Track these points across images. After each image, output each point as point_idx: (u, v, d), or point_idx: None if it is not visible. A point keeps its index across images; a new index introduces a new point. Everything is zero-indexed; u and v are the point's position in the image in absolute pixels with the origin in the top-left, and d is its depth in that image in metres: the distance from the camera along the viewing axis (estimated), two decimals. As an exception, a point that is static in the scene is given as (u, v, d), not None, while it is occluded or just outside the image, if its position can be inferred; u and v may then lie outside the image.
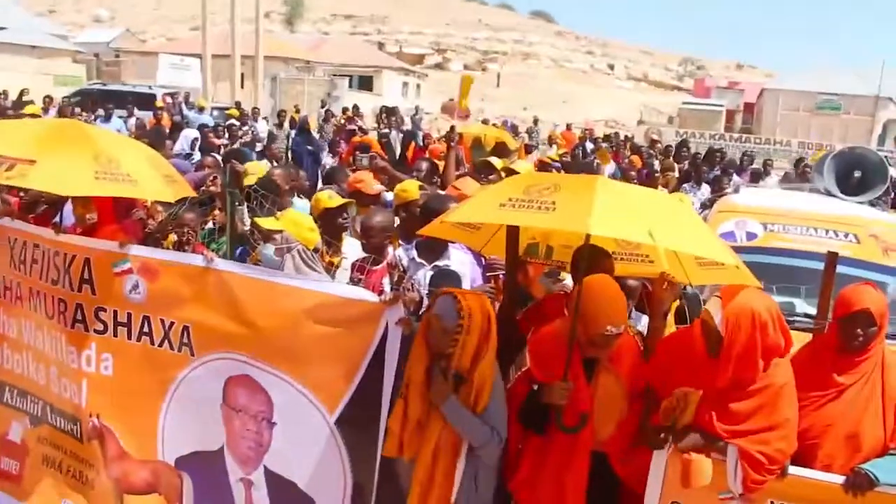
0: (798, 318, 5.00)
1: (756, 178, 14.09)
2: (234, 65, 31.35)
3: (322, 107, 25.97)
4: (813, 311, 4.80)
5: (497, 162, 7.74)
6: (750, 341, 3.22)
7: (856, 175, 7.03)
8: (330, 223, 5.03)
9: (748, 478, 3.25)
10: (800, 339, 4.45)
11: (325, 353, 3.75)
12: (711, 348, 3.31)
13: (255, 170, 7.15)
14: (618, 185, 3.67)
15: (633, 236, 3.30)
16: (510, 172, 7.38)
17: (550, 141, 22.71)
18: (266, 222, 4.10)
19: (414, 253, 4.85)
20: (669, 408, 3.31)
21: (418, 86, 52.54)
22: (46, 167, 4.00)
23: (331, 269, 4.76)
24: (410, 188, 5.61)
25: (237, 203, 4.71)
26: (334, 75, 39.28)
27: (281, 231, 4.07)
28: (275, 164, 9.63)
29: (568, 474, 3.57)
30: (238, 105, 21.64)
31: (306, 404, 3.81)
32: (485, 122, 25.88)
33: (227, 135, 13.85)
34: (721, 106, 46.36)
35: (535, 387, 3.62)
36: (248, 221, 4.82)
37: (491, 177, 7.15)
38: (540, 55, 72.62)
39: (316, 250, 4.23)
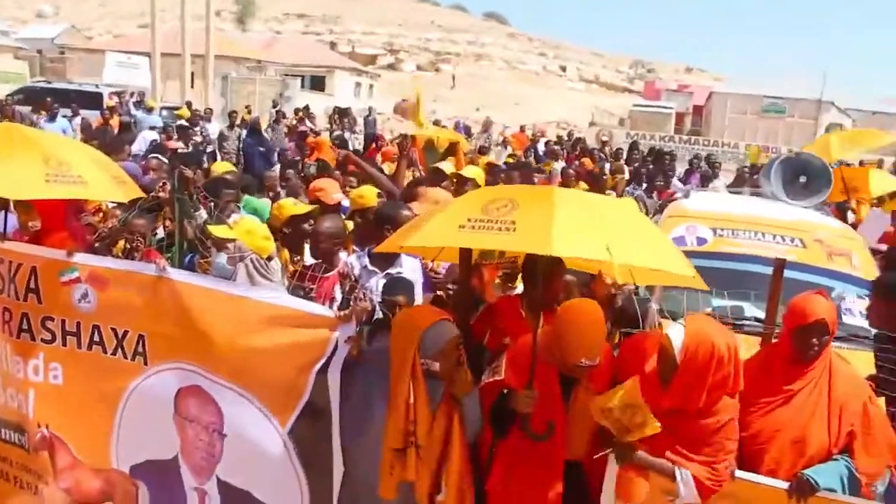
0: (747, 322, 5.11)
1: (706, 180, 14.35)
2: (185, 63, 30.82)
3: (274, 107, 25.71)
4: (761, 314, 4.90)
5: (447, 167, 7.75)
6: (702, 373, 3.25)
7: (801, 180, 7.20)
8: (295, 230, 4.99)
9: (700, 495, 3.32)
10: (749, 343, 4.59)
11: (276, 365, 3.70)
12: (664, 375, 3.34)
13: (221, 169, 7.10)
14: (574, 195, 3.67)
15: (592, 254, 3.27)
16: (459, 178, 7.39)
17: (504, 143, 22.87)
18: (219, 231, 4.04)
19: (366, 260, 4.83)
20: (617, 419, 3.33)
21: (371, 86, 52.34)
22: (-4, 172, 3.91)
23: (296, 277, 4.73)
24: (368, 194, 5.59)
25: (191, 210, 4.64)
26: (286, 75, 38.91)
27: (234, 240, 4.01)
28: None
29: (540, 481, 3.59)
30: (189, 105, 21.32)
31: (258, 415, 3.77)
32: (436, 123, 25.98)
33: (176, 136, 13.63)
34: (671, 108, 47.07)
35: (505, 391, 3.64)
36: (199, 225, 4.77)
37: (443, 183, 7.16)
38: (493, 56, 72.93)
39: (270, 258, 4.18)
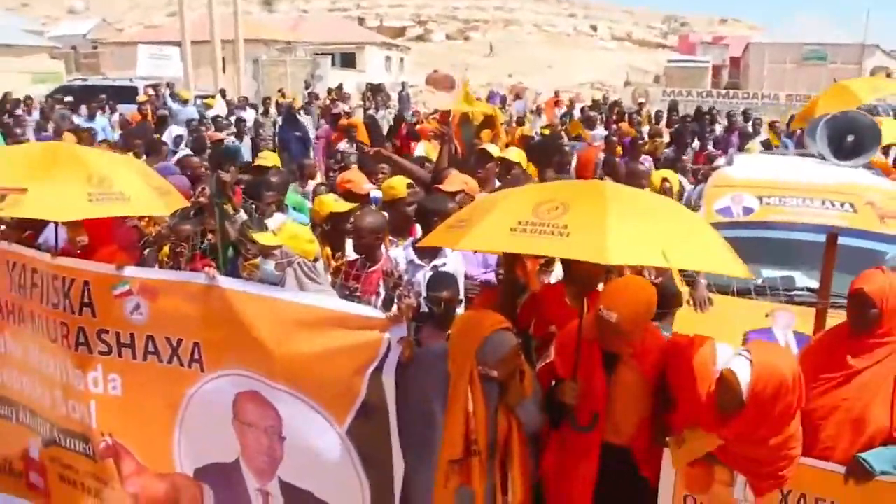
0: (798, 293, 5.04)
1: (745, 138, 14.04)
2: (215, 50, 30.96)
3: (306, 88, 25.75)
4: (813, 284, 4.83)
5: (494, 150, 7.67)
6: (768, 407, 3.17)
7: (849, 139, 6.98)
8: (335, 228, 5.01)
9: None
10: (803, 314, 4.52)
11: (330, 367, 3.75)
12: (726, 408, 3.23)
13: (269, 161, 7.15)
14: (625, 194, 3.56)
15: (649, 261, 3.25)
16: (504, 161, 7.32)
17: (538, 111, 22.62)
18: (264, 238, 4.07)
19: (412, 253, 4.83)
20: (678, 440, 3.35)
21: (402, 59, 52.12)
22: (39, 194, 3.98)
23: (339, 274, 4.76)
24: (398, 185, 5.59)
25: (231, 213, 4.68)
26: (316, 54, 38.86)
27: (280, 246, 4.04)
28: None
29: (576, 470, 3.62)
30: (223, 93, 21.43)
31: (315, 417, 3.83)
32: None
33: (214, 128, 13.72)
34: (707, 62, 46.13)
35: (554, 383, 3.70)
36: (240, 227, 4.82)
37: (488, 165, 7.14)
38: (522, 21, 71.96)
39: (315, 259, 4.21)
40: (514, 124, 16.66)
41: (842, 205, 5.66)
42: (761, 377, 3.12)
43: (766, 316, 4.83)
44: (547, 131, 13.76)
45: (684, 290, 4.94)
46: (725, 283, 4.92)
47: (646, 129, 15.72)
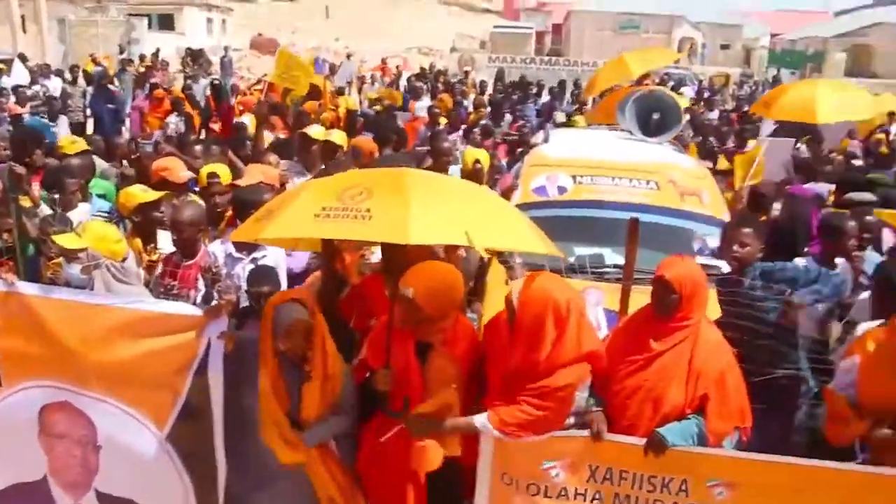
0: (608, 270, 5.31)
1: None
2: (11, 5, 28.30)
3: (121, 53, 24.21)
4: (622, 261, 5.10)
5: (317, 132, 7.53)
6: (539, 322, 3.42)
7: (654, 117, 7.42)
8: (146, 219, 4.77)
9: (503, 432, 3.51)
10: (612, 291, 4.77)
11: (148, 370, 3.64)
12: (510, 323, 3.52)
13: (69, 148, 6.63)
14: (428, 178, 3.70)
15: (452, 239, 3.36)
16: (329, 146, 7.18)
17: (372, 79, 22.40)
18: (67, 241, 3.81)
19: (230, 247, 4.69)
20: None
21: (224, 21, 49.96)
22: None
23: (153, 268, 4.55)
24: (222, 173, 5.39)
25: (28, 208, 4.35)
26: (130, 15, 36.53)
27: (85, 249, 3.81)
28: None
29: (393, 457, 3.67)
30: (23, 58, 19.71)
31: (133, 423, 3.70)
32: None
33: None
34: (530, 28, 47.35)
35: (368, 374, 3.73)
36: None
37: (312, 149, 7.03)
38: (346, -18, 70.77)
39: (124, 259, 3.99)
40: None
41: (647, 183, 6.02)
42: (531, 297, 3.42)
43: (578, 294, 5.06)
44: (378, 106, 13.67)
45: (501, 270, 5.09)
46: (540, 263, 5.12)
47: (472, 97, 16.03)
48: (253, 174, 5.66)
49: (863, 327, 3.98)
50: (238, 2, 57.73)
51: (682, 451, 3.51)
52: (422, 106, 13.54)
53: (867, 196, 6.37)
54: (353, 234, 3.34)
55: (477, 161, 6.82)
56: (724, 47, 51.62)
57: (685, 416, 3.58)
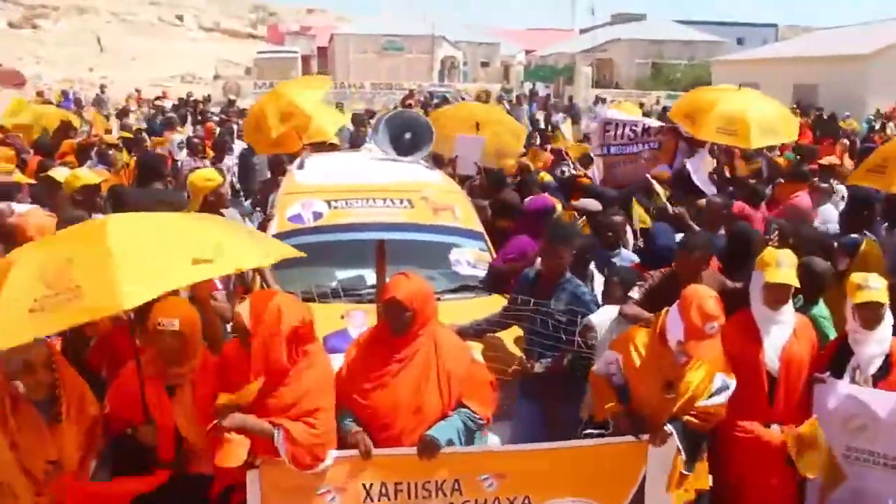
0: (369, 291, 5.36)
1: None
2: None
3: None
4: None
5: (60, 175, 6.89)
6: (274, 330, 3.48)
7: (407, 136, 7.61)
8: None
9: (294, 454, 3.50)
10: (373, 310, 4.81)
11: None
12: (243, 341, 3.56)
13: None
14: (129, 222, 3.42)
15: (171, 285, 3.16)
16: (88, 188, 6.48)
17: (125, 111, 21.25)
18: None
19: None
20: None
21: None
22: None
23: None
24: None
25: None
26: None
27: None
28: None
29: None
30: None
31: None
32: (40, 94, 23.29)
33: None
34: (296, 52, 47.04)
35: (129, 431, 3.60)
36: None
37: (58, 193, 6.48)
38: (99, 9, 66.82)
39: None
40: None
41: (401, 202, 6.16)
42: (255, 305, 3.53)
43: (342, 317, 5.07)
44: (127, 134, 12.92)
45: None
46: (306, 289, 5.09)
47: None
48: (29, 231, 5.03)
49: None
50: (-30, 30, 52.94)
51: (451, 452, 3.71)
52: (175, 139, 12.78)
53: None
54: (71, 320, 3.00)
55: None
56: (485, 65, 54.32)
57: (445, 416, 3.78)
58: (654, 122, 9.20)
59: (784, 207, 7.41)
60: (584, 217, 6.85)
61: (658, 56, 50.51)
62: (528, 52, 59.24)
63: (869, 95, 29.62)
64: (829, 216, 7.59)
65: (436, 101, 27.46)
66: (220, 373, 3.69)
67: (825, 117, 22.05)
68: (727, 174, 8.81)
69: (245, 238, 3.61)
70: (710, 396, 3.94)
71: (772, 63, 37.93)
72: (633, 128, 8.62)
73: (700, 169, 8.12)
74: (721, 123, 8.01)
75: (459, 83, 41.91)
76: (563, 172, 9.52)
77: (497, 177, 8.48)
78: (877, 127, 21.42)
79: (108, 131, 13.32)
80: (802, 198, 7.63)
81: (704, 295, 3.85)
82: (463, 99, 29.98)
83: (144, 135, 13.07)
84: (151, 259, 3.10)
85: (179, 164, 10.78)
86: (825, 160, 9.56)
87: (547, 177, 9.04)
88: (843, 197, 8.23)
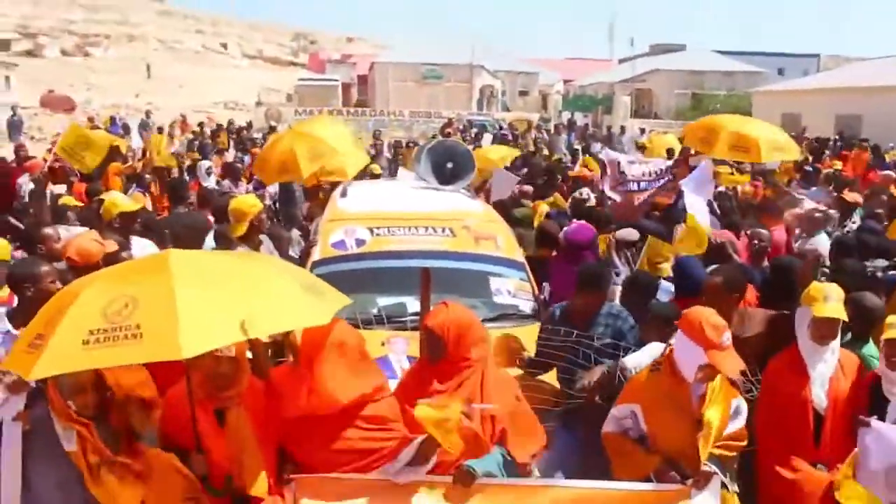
0: (411, 318, 5.40)
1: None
2: None
3: None
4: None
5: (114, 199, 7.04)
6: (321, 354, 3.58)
7: (448, 166, 7.68)
8: None
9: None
10: (415, 337, 4.84)
11: None
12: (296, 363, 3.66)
13: None
14: (193, 262, 3.40)
15: (227, 340, 3.12)
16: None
17: (171, 134, 21.71)
18: None
19: (6, 324, 4.34)
20: None
21: (7, 78, 46.75)
22: None
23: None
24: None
25: None
26: None
27: None
28: None
29: None
30: None
31: None
32: (90, 119, 23.93)
33: None
34: (336, 80, 47.78)
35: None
36: None
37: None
38: (147, 36, 68.59)
39: None
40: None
41: (443, 230, 6.21)
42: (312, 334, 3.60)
43: (383, 344, 5.11)
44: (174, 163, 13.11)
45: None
46: (348, 315, 5.12)
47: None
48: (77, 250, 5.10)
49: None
50: (23, 56, 54.46)
51: (486, 483, 3.67)
52: (206, 165, 12.99)
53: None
54: (126, 359, 3.01)
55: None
56: (523, 94, 54.54)
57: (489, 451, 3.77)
58: (666, 163, 9.28)
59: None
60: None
61: (697, 86, 50.39)
62: (566, 81, 59.45)
63: (912, 126, 29.18)
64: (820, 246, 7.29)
65: (474, 129, 27.62)
66: (269, 395, 3.71)
67: (870, 148, 21.74)
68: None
69: (302, 292, 3.46)
70: (731, 422, 3.92)
71: (814, 93, 37.60)
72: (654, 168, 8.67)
73: (699, 190, 8.04)
74: (734, 141, 8.72)
75: (498, 112, 42.10)
76: (581, 193, 9.44)
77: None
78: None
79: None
80: (780, 232, 7.57)
81: (706, 312, 3.88)
82: (501, 127, 30.19)
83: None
84: (213, 306, 3.08)
85: (206, 187, 10.95)
86: (846, 195, 9.41)
87: (543, 205, 8.97)
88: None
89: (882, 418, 3.98)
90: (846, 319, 4.17)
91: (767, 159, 8.91)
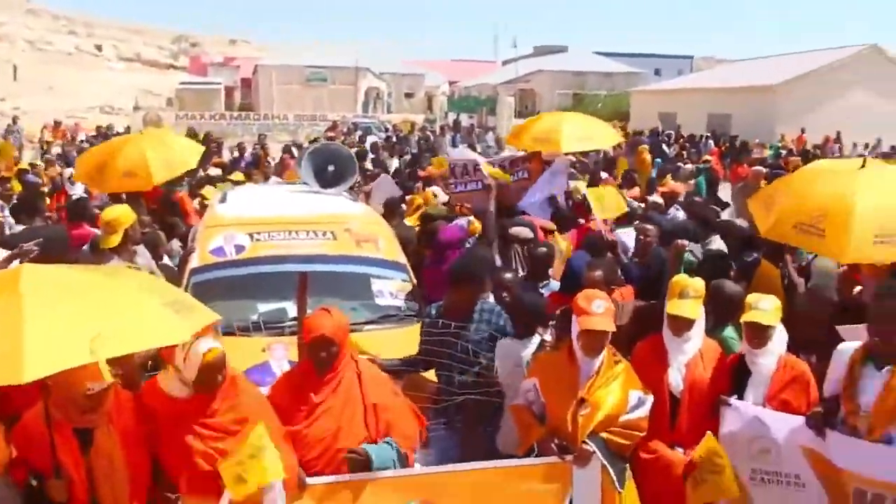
0: (289, 324, 5.33)
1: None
2: None
3: None
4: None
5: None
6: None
7: (330, 169, 7.63)
8: None
9: None
10: (294, 343, 4.79)
11: None
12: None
13: None
14: (44, 278, 3.15)
15: (74, 361, 2.86)
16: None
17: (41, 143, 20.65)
18: None
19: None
20: None
21: None
22: None
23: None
24: None
25: None
26: None
27: None
28: None
29: None
30: None
31: None
32: (-50, 126, 22.48)
33: None
34: (219, 84, 46.78)
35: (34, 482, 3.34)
36: None
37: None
38: (14, 37, 65.08)
39: None
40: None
41: (324, 234, 6.15)
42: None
43: (263, 350, 5.03)
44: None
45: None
46: (227, 322, 5.01)
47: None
48: None
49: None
50: None
51: (380, 477, 3.75)
52: (69, 172, 12.27)
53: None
54: None
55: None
56: (409, 96, 54.76)
57: (374, 442, 3.84)
58: (517, 153, 9.67)
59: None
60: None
61: (579, 87, 51.88)
62: (451, 83, 60.03)
63: (777, 124, 31.03)
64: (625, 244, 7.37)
65: (359, 132, 27.53)
66: (139, 408, 3.58)
67: (737, 145, 22.98)
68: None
69: (162, 309, 3.26)
70: (629, 412, 4.06)
71: (688, 93, 39.39)
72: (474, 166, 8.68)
73: (550, 185, 8.35)
74: (536, 134, 9.57)
75: (383, 114, 42.14)
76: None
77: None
78: (783, 154, 22.43)
79: (17, 163, 12.92)
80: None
81: (589, 290, 4.21)
82: (386, 129, 30.22)
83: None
84: (62, 328, 2.88)
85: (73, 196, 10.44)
86: (667, 187, 10.45)
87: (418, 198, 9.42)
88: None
89: (741, 398, 4.26)
90: (695, 317, 4.32)
91: (567, 149, 9.46)
